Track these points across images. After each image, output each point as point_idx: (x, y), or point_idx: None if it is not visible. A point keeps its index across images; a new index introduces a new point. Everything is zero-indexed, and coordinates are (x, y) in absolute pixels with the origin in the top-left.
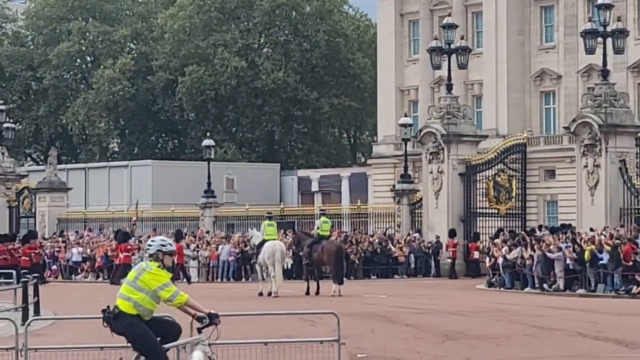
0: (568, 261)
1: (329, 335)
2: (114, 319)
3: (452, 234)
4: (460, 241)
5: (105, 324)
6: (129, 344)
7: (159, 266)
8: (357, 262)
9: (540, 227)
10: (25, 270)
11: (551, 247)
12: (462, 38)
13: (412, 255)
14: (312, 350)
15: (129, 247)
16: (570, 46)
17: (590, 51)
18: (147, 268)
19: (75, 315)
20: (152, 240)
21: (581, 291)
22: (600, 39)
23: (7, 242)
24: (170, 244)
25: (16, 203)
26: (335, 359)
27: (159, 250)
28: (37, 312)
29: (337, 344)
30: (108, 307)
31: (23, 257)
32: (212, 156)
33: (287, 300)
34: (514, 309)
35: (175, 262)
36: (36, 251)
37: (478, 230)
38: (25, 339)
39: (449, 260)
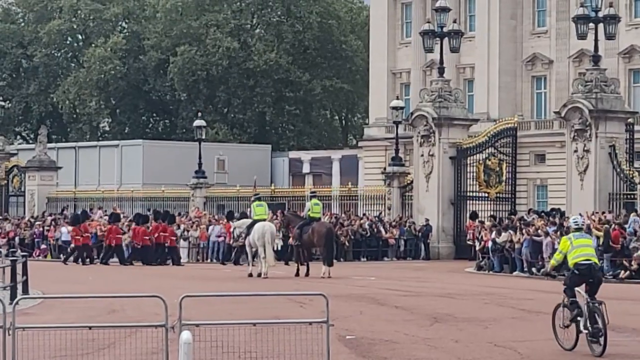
0: (556, 245)
1: (318, 317)
2: None
3: (473, 216)
4: (450, 225)
5: None
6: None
7: None
8: (346, 244)
9: (529, 211)
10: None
11: (539, 232)
12: (454, 21)
13: (401, 238)
14: (301, 331)
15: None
16: (562, 31)
17: (582, 36)
18: None
19: (64, 295)
20: None
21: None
22: (592, 25)
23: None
24: None
25: (5, 182)
26: (323, 340)
27: None
28: (25, 291)
29: (325, 326)
30: None
31: (75, 237)
32: (203, 137)
33: (276, 282)
34: (502, 292)
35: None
36: (86, 233)
37: (466, 214)
38: (13, 317)
39: (469, 243)
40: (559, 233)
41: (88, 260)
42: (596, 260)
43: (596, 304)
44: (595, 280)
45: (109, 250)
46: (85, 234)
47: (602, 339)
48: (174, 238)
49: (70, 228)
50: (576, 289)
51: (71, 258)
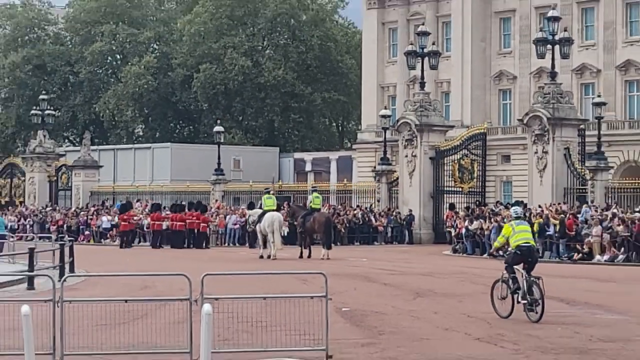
0: None
1: (318, 292)
2: None
3: (452, 207)
4: (430, 214)
5: None
6: (148, 297)
7: None
8: (342, 231)
9: (497, 203)
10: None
11: (505, 220)
12: (433, 44)
13: (389, 225)
14: (304, 304)
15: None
16: (524, 52)
17: (541, 56)
18: None
19: (104, 273)
20: None
21: None
22: (549, 46)
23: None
24: None
25: (55, 178)
26: (323, 312)
27: None
28: (72, 270)
29: (325, 299)
30: None
31: (122, 223)
32: (222, 140)
33: (283, 263)
34: (474, 271)
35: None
36: (132, 219)
37: (443, 206)
38: (61, 292)
39: (446, 230)
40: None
41: (131, 243)
42: (534, 243)
43: (534, 279)
44: (533, 260)
45: (157, 234)
46: (131, 220)
47: (538, 308)
48: (206, 224)
49: (109, 217)
50: (515, 267)
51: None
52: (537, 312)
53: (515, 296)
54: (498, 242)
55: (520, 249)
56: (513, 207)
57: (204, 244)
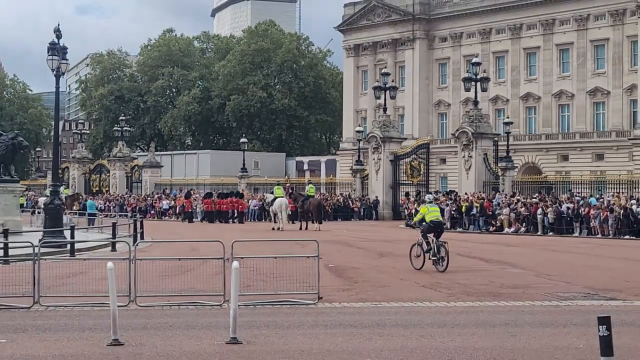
0: (452, 212)
1: (312, 253)
2: None
3: (407, 195)
4: (390, 200)
5: None
6: (195, 257)
7: None
8: (329, 211)
9: (436, 192)
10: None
11: (442, 204)
12: (392, 81)
13: (362, 207)
14: (302, 262)
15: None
16: (456, 86)
17: (467, 89)
18: None
19: (164, 240)
20: None
21: (460, 230)
22: (473, 83)
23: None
24: None
25: (130, 174)
26: (315, 267)
27: None
28: (142, 237)
29: (317, 259)
30: None
31: (186, 204)
32: (246, 148)
33: (288, 233)
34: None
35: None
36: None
37: (399, 194)
38: (135, 253)
39: (401, 210)
40: (454, 204)
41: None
42: (441, 219)
43: (441, 243)
44: (441, 230)
45: (208, 213)
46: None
47: (444, 262)
48: (243, 206)
49: (168, 201)
50: (428, 235)
51: (195, 219)
52: (443, 265)
53: (427, 255)
54: (417, 218)
55: (433, 223)
56: (428, 195)
57: (242, 220)
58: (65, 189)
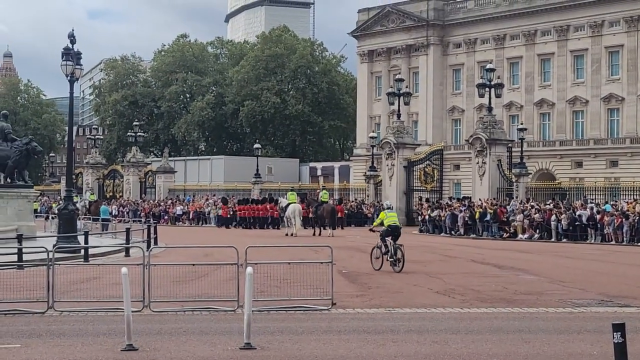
0: (466, 218)
1: (326, 259)
2: None
3: (426, 200)
4: (404, 205)
5: None
6: (208, 262)
7: None
8: (343, 217)
9: (450, 198)
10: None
11: (455, 210)
12: (406, 87)
13: (375, 213)
14: (316, 267)
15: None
16: (470, 92)
17: (481, 95)
18: None
19: (178, 245)
20: None
21: (473, 236)
22: (487, 89)
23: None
24: None
25: (144, 179)
26: (329, 273)
27: None
28: (155, 242)
29: (330, 264)
30: None
31: (223, 211)
32: (259, 154)
33: (301, 239)
34: (434, 245)
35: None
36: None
37: (413, 200)
38: (148, 258)
39: (415, 216)
40: (467, 210)
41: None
42: (399, 224)
43: (398, 246)
44: (398, 234)
45: (243, 220)
46: (227, 210)
47: (400, 264)
48: (277, 213)
49: (181, 207)
50: (386, 238)
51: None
52: (398, 267)
53: (385, 256)
54: (376, 222)
55: (391, 227)
56: (386, 202)
57: (273, 226)
58: (91, 194)
